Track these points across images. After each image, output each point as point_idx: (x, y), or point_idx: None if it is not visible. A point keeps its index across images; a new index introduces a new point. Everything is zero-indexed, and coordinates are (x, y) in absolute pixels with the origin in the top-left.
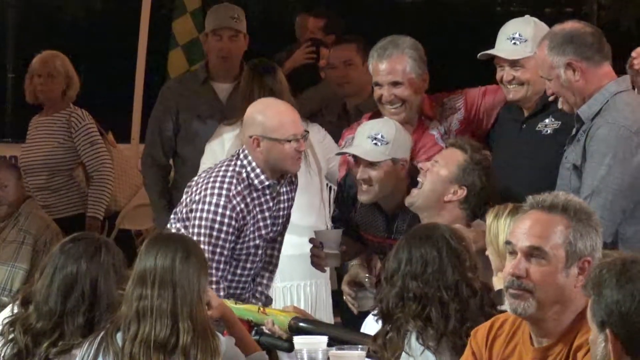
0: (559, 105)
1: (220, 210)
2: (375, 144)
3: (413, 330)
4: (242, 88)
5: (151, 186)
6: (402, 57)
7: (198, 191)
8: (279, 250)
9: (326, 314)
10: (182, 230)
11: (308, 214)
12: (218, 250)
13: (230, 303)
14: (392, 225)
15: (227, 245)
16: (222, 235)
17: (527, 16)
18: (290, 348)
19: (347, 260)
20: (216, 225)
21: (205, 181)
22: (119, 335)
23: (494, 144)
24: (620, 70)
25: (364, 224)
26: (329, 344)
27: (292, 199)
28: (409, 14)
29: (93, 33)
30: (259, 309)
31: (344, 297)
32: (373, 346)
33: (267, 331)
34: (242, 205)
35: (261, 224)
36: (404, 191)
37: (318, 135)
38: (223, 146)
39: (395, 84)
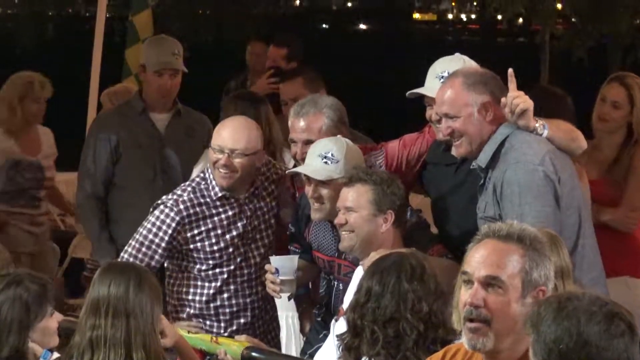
0: (452, 152)
1: (166, 210)
2: (326, 162)
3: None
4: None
5: (90, 219)
6: (319, 117)
7: None
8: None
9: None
10: None
11: None
12: (150, 236)
13: (183, 332)
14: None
15: (162, 235)
16: (158, 224)
17: (457, 54)
18: None
19: (302, 285)
20: (160, 215)
21: None
22: None
23: (430, 190)
24: (573, 99)
25: (317, 243)
26: None
27: (267, 213)
28: (363, 41)
29: (45, 61)
30: (211, 338)
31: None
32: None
33: None
34: (191, 211)
35: (219, 231)
36: None
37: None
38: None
39: (308, 142)
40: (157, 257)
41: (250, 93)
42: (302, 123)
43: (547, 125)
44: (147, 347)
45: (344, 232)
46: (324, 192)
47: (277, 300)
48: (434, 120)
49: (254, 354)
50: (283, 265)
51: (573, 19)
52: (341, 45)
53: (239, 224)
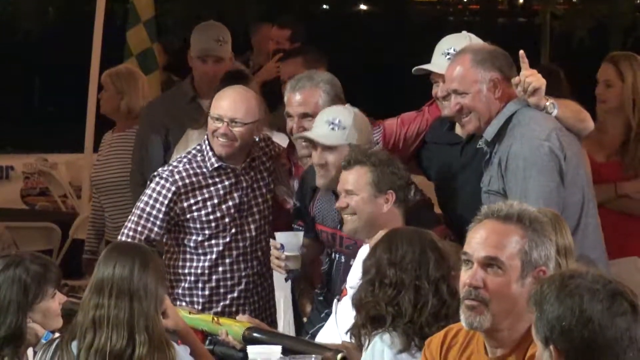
0: (456, 130)
1: (162, 182)
2: (332, 128)
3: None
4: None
5: None
6: (316, 91)
7: None
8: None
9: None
10: None
11: None
12: (148, 208)
13: (184, 313)
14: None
15: (159, 206)
16: (155, 195)
17: (463, 32)
18: (244, 358)
19: (308, 262)
20: (155, 187)
21: None
22: (74, 344)
23: (433, 172)
24: (571, 80)
25: (321, 216)
26: (283, 354)
27: (264, 187)
28: (363, 23)
29: (46, 44)
30: (212, 319)
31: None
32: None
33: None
34: (187, 181)
35: (215, 200)
36: None
37: (284, 144)
38: (187, 147)
39: (305, 115)
40: (156, 228)
41: (238, 71)
42: (298, 97)
43: (556, 105)
44: (150, 328)
45: (346, 215)
46: (330, 158)
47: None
48: (440, 97)
49: (255, 334)
50: (288, 242)
51: None
52: (341, 26)
53: (235, 195)
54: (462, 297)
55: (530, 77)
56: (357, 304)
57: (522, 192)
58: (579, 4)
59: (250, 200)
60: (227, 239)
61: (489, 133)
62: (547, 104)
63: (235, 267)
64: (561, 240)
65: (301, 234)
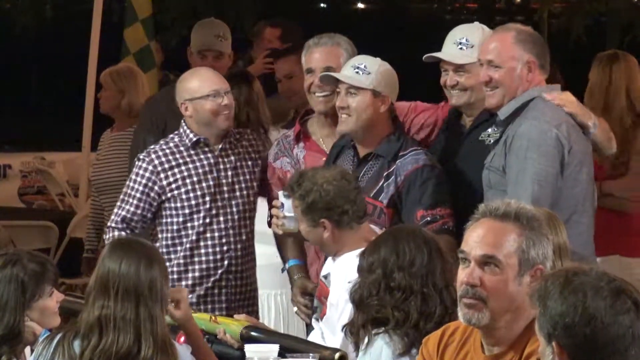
0: (486, 104)
1: (139, 163)
2: (357, 72)
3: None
4: None
5: None
6: (337, 49)
7: None
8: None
9: (297, 323)
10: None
11: None
12: (129, 190)
13: None
14: (361, 168)
15: (138, 187)
16: (134, 177)
17: (476, 22)
18: (241, 357)
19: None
20: (135, 169)
21: None
22: (76, 342)
23: (436, 158)
24: (568, 76)
25: None
26: (281, 353)
27: (247, 174)
28: (361, 22)
29: (44, 41)
30: (210, 317)
31: (296, 309)
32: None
33: (218, 339)
34: (163, 159)
35: (194, 178)
36: (381, 135)
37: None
38: None
39: (328, 69)
40: (132, 208)
41: (242, 71)
42: (321, 51)
43: (597, 124)
44: (156, 328)
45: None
46: (351, 101)
47: (265, 278)
48: (448, 86)
49: (253, 333)
50: (289, 202)
51: None
52: (339, 24)
53: (215, 174)
54: (460, 295)
55: (558, 101)
56: (359, 303)
57: (520, 171)
58: (577, 2)
59: (233, 183)
60: (208, 220)
61: (504, 112)
62: (590, 123)
63: (217, 248)
64: (556, 239)
65: None
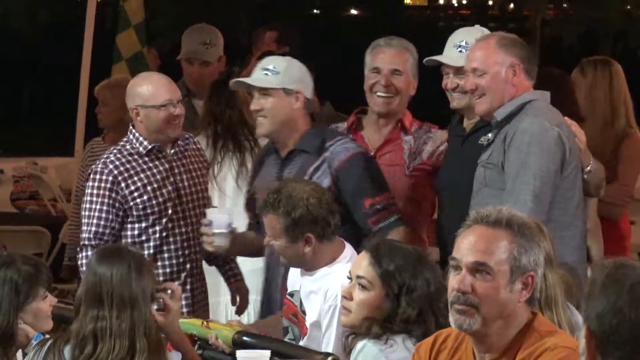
0: (476, 111)
1: (97, 176)
2: (267, 74)
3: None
4: (205, 99)
5: None
6: (405, 53)
7: None
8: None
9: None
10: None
11: None
12: (92, 205)
13: None
14: (284, 167)
15: (102, 199)
16: (95, 191)
17: (476, 26)
18: None
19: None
20: (93, 183)
21: None
22: (67, 349)
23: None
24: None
25: (261, 177)
26: (273, 359)
27: (199, 177)
28: (353, 27)
29: (37, 46)
30: (202, 323)
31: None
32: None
33: (210, 345)
34: (122, 168)
35: (154, 185)
36: (300, 132)
37: None
38: None
39: (395, 71)
40: (109, 223)
41: (230, 76)
42: (391, 53)
43: (594, 169)
44: (148, 334)
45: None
46: (264, 103)
47: (250, 284)
48: (449, 89)
49: (245, 338)
50: (217, 219)
51: (564, 4)
52: (332, 30)
53: (172, 179)
54: (451, 301)
55: (574, 127)
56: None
57: (521, 165)
58: (569, 10)
59: (189, 187)
60: (170, 225)
61: (501, 113)
62: (591, 161)
63: (180, 252)
64: (548, 246)
65: (230, 210)
